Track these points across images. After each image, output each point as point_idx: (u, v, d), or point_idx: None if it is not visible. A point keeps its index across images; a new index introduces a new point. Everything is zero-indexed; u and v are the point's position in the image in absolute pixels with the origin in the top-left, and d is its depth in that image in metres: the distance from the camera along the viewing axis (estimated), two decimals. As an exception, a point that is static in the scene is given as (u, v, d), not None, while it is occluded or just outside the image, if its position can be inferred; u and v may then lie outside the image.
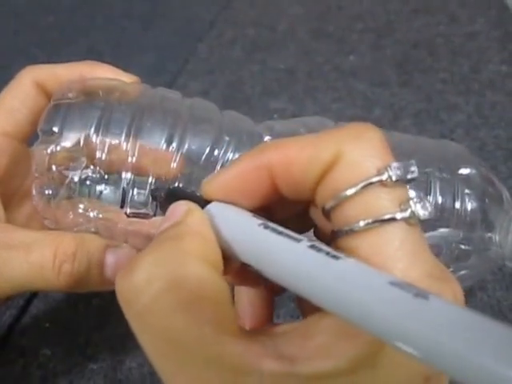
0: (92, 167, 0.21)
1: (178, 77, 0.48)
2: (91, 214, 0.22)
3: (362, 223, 0.13)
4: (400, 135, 0.26)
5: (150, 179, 0.22)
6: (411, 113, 0.43)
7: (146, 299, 0.13)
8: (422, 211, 0.13)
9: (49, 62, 0.25)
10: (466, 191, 0.23)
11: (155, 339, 0.13)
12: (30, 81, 0.24)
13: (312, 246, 0.13)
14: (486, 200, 0.23)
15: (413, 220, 0.13)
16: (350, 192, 0.13)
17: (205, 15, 0.57)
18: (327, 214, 0.14)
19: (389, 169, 0.13)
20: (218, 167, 0.22)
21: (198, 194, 0.16)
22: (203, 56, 0.51)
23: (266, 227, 0.14)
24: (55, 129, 0.21)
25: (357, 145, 0.14)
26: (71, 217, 0.22)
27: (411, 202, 0.13)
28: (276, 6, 0.59)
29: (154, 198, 0.20)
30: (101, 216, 0.22)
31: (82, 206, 0.21)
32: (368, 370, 0.12)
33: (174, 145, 0.22)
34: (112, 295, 0.23)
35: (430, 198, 0.22)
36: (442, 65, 0.48)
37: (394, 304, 0.11)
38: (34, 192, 0.22)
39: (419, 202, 0.13)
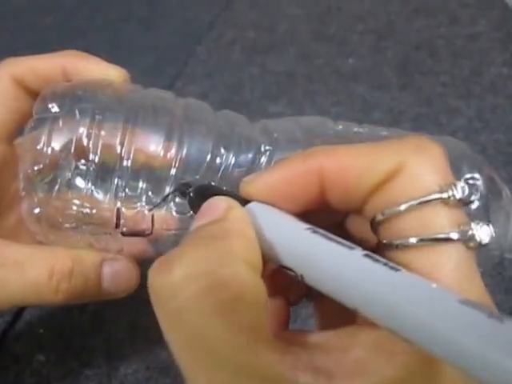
0: (84, 172, 0.20)
1: (177, 79, 0.47)
2: (85, 212, 0.21)
3: (415, 239, 0.13)
4: (397, 130, 0.25)
5: (145, 184, 0.21)
6: (410, 116, 0.42)
7: (183, 297, 0.12)
8: (483, 236, 0.13)
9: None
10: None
11: (187, 339, 0.12)
12: (8, 76, 0.22)
13: (367, 255, 0.12)
14: (489, 196, 0.23)
15: (472, 243, 0.13)
16: (410, 205, 0.13)
17: (204, 17, 0.56)
18: (376, 225, 0.14)
19: (453, 187, 0.13)
20: (220, 174, 0.21)
21: (231, 193, 0.16)
22: (202, 58, 0.51)
23: (315, 232, 0.14)
24: (40, 146, 0.20)
25: (420, 159, 0.14)
26: (64, 233, 0.21)
27: (473, 225, 0.13)
28: (276, 7, 0.58)
29: (182, 194, 0.19)
30: (95, 215, 0.21)
31: (75, 207, 0.21)
32: None
33: (173, 150, 0.21)
34: (107, 301, 0.23)
35: None
36: (443, 67, 0.47)
37: (470, 325, 0.10)
38: (23, 211, 0.21)
39: (481, 226, 0.13)
